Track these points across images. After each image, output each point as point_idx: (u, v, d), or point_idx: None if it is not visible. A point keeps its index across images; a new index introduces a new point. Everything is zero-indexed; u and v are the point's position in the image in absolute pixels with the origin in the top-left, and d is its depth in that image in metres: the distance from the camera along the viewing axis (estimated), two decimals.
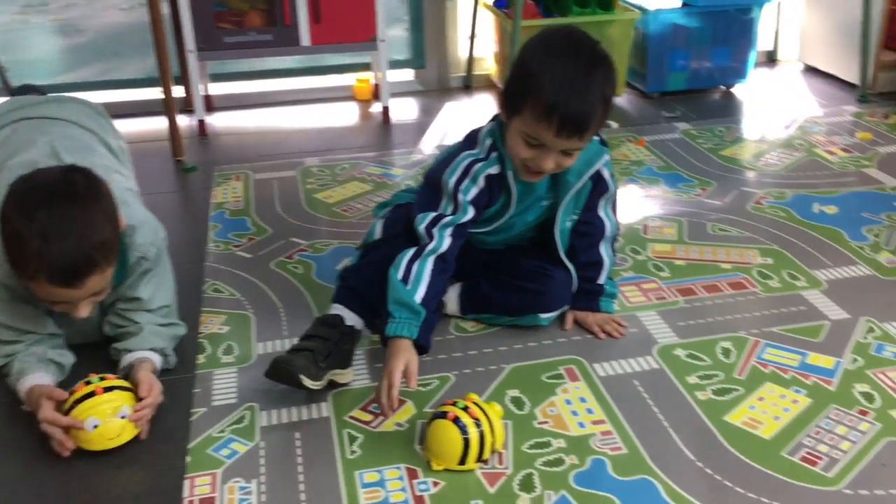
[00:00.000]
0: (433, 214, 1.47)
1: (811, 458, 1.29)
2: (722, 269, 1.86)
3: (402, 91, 3.08)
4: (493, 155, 1.49)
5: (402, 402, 1.40)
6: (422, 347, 1.40)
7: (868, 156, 2.44)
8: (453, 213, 1.48)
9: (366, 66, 3.07)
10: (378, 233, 1.64)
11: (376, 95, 2.96)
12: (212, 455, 1.32)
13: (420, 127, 2.79)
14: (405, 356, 1.35)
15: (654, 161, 2.45)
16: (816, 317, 1.67)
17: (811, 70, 3.22)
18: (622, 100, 2.98)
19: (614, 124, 2.74)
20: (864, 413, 1.39)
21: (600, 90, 1.36)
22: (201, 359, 1.56)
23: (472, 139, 1.53)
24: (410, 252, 1.44)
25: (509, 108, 1.41)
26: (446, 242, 1.46)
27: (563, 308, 1.63)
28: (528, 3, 2.77)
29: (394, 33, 3.15)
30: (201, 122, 2.70)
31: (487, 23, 3.02)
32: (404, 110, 2.94)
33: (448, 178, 1.48)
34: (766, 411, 1.40)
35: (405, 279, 1.41)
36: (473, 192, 1.48)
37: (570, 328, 1.64)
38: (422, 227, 1.46)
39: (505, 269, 1.62)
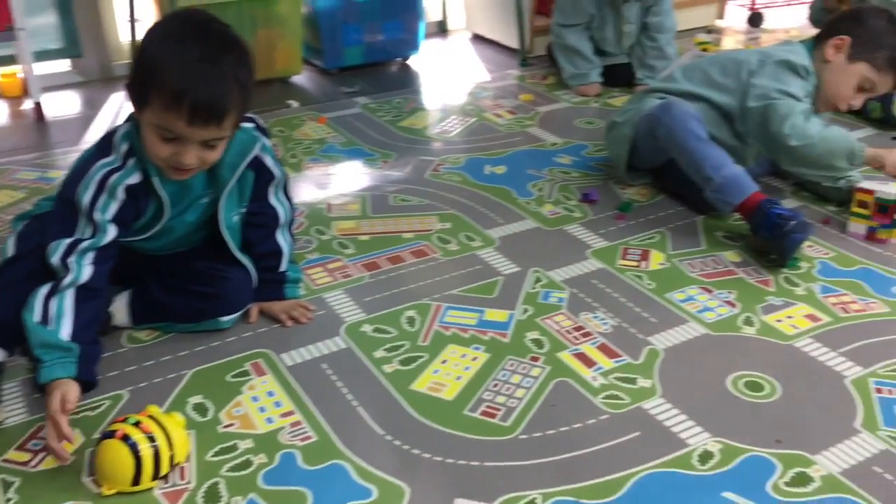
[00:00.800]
0: (67, 241, 1.32)
1: (491, 410, 1.36)
2: (404, 239, 1.89)
3: (58, 84, 2.79)
4: (131, 162, 1.36)
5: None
6: (87, 383, 1.27)
7: (530, 116, 2.62)
8: (92, 237, 1.33)
9: (11, 60, 2.73)
10: (11, 249, 1.45)
11: (27, 91, 2.64)
12: None
13: (83, 122, 2.54)
14: (60, 390, 1.21)
15: (337, 138, 2.45)
16: (491, 274, 1.76)
17: (478, 38, 3.40)
18: (302, 78, 2.94)
19: (295, 103, 2.70)
20: (535, 359, 1.48)
21: (232, 73, 1.28)
22: None
23: (106, 144, 1.37)
24: (44, 289, 1.29)
25: (137, 100, 1.29)
26: (87, 272, 1.32)
27: (245, 307, 1.56)
28: None
29: (42, 21, 2.84)
30: None
31: (147, 2, 2.81)
32: (62, 105, 2.66)
33: (81, 196, 1.33)
34: (449, 373, 1.45)
35: (44, 320, 1.26)
36: (113, 208, 1.35)
37: (256, 320, 1.58)
38: (55, 259, 1.31)
39: (177, 273, 1.52)
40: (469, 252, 1.84)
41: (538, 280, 1.73)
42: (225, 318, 1.52)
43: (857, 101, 1.91)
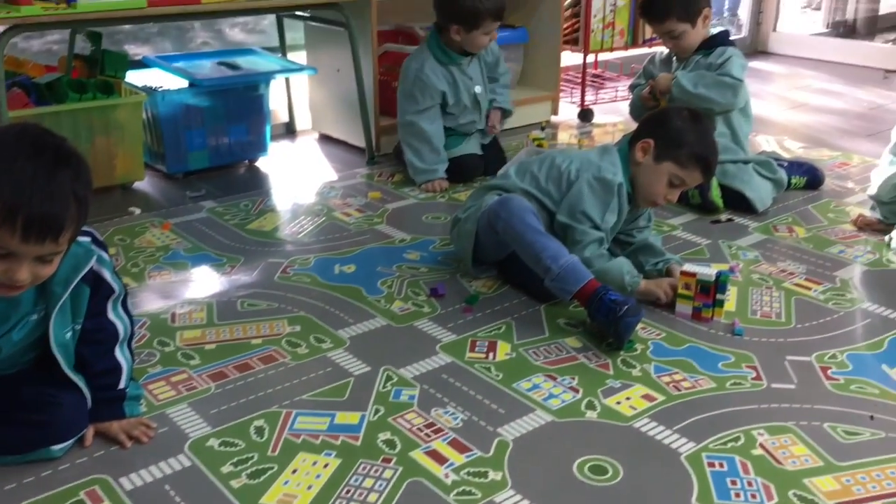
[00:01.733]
0: None
1: None
2: (253, 345, 1.86)
3: None
4: None
5: None
6: None
7: (379, 213, 2.67)
8: None
9: None
10: None
11: None
12: None
13: None
14: None
15: (182, 244, 2.40)
16: (342, 376, 1.75)
17: (326, 138, 3.46)
18: (144, 184, 2.88)
19: (137, 210, 2.63)
20: (387, 460, 1.48)
21: (69, 187, 1.25)
22: None
23: None
24: None
25: None
26: None
27: (80, 433, 1.48)
28: (17, 93, 2.54)
29: None
30: None
31: None
32: None
33: None
34: (300, 483, 1.42)
35: None
36: None
37: (90, 444, 1.49)
38: None
39: (3, 400, 1.42)
40: (319, 354, 1.83)
41: (389, 378, 1.74)
42: (57, 447, 1.43)
43: (673, 196, 2.07)
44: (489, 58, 3.03)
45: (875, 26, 5.76)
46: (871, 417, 1.61)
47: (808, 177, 2.86)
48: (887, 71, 4.74)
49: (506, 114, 3.11)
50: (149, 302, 2.06)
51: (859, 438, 1.56)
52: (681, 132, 2.03)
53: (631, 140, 2.10)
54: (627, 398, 1.68)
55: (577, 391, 1.70)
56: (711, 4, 2.76)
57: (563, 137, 3.56)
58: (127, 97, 2.75)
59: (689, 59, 2.75)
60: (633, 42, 3.88)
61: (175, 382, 1.71)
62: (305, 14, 3.21)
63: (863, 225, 2.51)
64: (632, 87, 3.01)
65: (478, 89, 2.97)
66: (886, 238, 2.40)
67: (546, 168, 2.13)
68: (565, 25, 3.72)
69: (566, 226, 2.04)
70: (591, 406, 1.65)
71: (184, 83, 2.90)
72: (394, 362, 1.80)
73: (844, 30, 5.70)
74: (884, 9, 5.78)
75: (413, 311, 2.03)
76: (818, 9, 5.87)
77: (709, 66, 2.68)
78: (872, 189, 2.46)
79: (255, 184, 2.95)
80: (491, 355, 1.84)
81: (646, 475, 1.46)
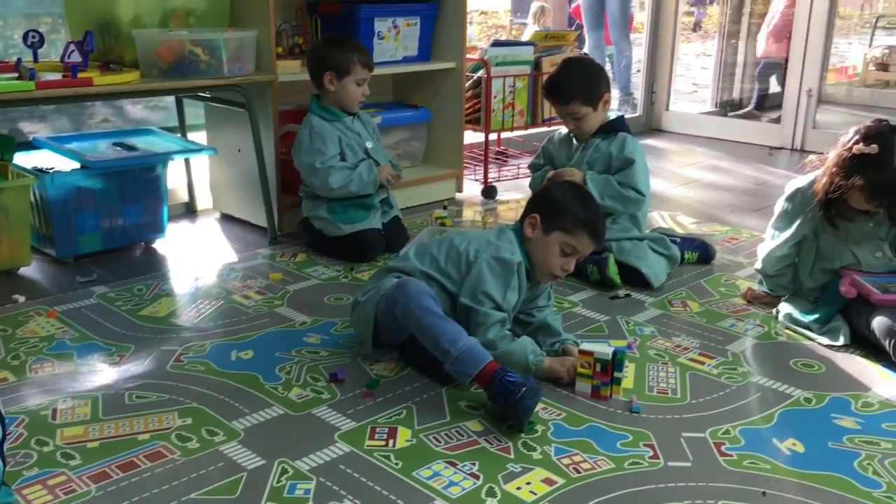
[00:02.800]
0: None
1: None
2: (140, 441, 1.77)
3: None
4: None
5: None
6: None
7: (279, 295, 2.62)
8: None
9: None
10: None
11: None
12: None
13: None
14: None
15: (67, 333, 2.29)
16: (234, 471, 1.68)
17: (227, 218, 3.41)
18: (31, 269, 2.76)
19: (21, 298, 2.51)
20: None
21: None
22: None
23: None
24: None
25: None
26: None
27: None
28: None
29: None
30: None
31: None
32: None
33: None
34: None
35: None
36: None
37: None
38: None
39: None
40: (211, 448, 1.76)
41: (284, 472, 1.68)
42: None
43: (569, 265, 2.11)
44: (373, 122, 3.16)
45: (762, 105, 6.13)
46: (763, 493, 1.64)
47: (700, 252, 2.96)
48: (772, 148, 5.02)
49: (396, 167, 3.15)
50: (29, 397, 1.94)
51: None
52: (562, 202, 2.09)
53: (521, 218, 2.15)
54: (528, 483, 1.66)
55: (477, 477, 1.68)
56: (610, 90, 2.89)
57: (468, 214, 3.60)
58: (13, 180, 2.65)
59: (589, 142, 2.85)
60: (533, 121, 4.01)
61: (52, 486, 1.60)
62: (206, 94, 3.19)
63: (752, 298, 2.61)
64: (532, 166, 3.08)
65: (369, 144, 3.05)
66: (774, 311, 2.50)
67: (445, 249, 2.14)
68: (467, 105, 3.81)
69: (468, 308, 2.04)
70: (491, 493, 1.63)
71: (76, 164, 2.82)
72: (290, 454, 1.74)
73: (731, 109, 6.03)
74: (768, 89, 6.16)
75: (312, 397, 1.98)
76: (706, 87, 6.21)
77: (609, 155, 2.79)
78: (758, 263, 2.57)
79: (151, 266, 2.86)
80: (391, 442, 1.80)
81: None
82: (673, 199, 3.88)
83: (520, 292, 2.09)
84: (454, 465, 1.72)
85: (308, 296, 2.63)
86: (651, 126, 5.57)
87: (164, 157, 2.98)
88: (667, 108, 5.56)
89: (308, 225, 3.02)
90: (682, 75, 6.70)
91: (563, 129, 2.99)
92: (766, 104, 5.95)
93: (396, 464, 1.72)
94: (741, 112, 5.88)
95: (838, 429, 1.89)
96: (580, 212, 2.08)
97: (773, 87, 5.93)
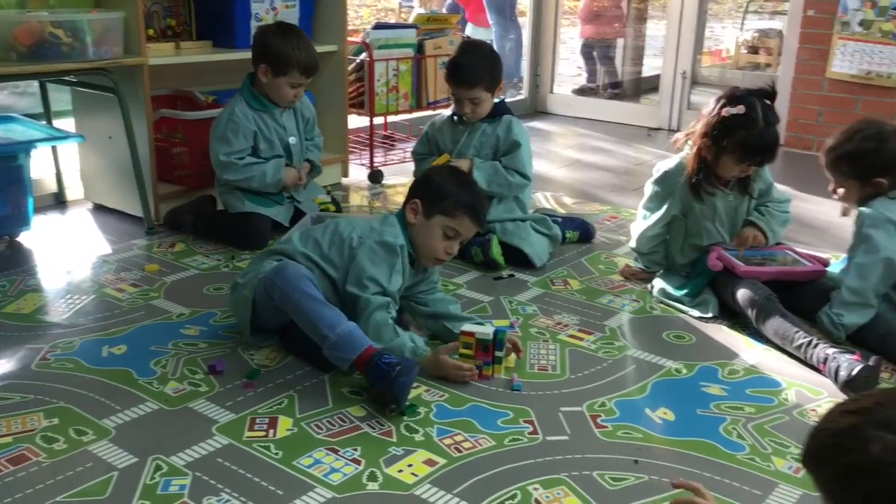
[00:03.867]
0: None
1: None
2: (2, 445, 1.68)
3: None
4: None
5: None
6: None
7: (156, 287, 2.53)
8: None
9: None
10: None
11: None
12: None
13: None
14: None
15: None
16: (104, 470, 1.61)
17: (100, 208, 3.25)
18: None
19: None
20: None
21: None
22: None
23: None
24: None
25: None
26: None
27: None
28: None
29: None
30: None
31: None
32: None
33: None
34: None
35: None
36: None
37: None
38: None
39: None
40: (80, 449, 1.68)
41: (158, 468, 1.62)
42: None
43: (452, 248, 2.12)
44: (307, 113, 3.07)
45: (639, 88, 6.32)
46: (636, 462, 1.70)
47: (581, 231, 3.04)
48: (650, 129, 5.19)
49: (315, 169, 3.11)
50: None
51: (625, 484, 1.63)
52: (442, 186, 2.11)
53: (403, 205, 2.14)
54: (409, 465, 1.67)
55: (359, 463, 1.67)
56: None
57: (355, 199, 3.57)
58: None
59: (476, 126, 2.87)
60: (418, 105, 3.99)
61: None
62: (71, 79, 3.03)
63: (629, 275, 2.69)
64: (415, 154, 3.08)
65: (292, 140, 2.98)
66: (649, 286, 2.59)
67: (329, 235, 2.11)
68: (350, 89, 3.77)
69: (354, 295, 2.02)
70: (372, 477, 1.62)
71: None
72: (164, 450, 1.69)
73: (613, 91, 6.20)
74: (646, 71, 6.35)
75: (189, 391, 1.92)
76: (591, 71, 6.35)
77: (496, 138, 2.84)
78: (632, 242, 2.65)
79: (16, 262, 2.70)
80: (272, 432, 1.77)
81: None
82: (556, 181, 3.96)
83: (403, 276, 2.09)
84: (336, 451, 1.71)
85: (186, 286, 2.55)
86: (536, 109, 5.66)
87: (27, 146, 2.82)
88: (551, 91, 5.66)
89: (198, 205, 2.97)
90: (566, 59, 6.82)
91: (446, 113, 3.00)
92: (644, 86, 6.17)
93: (276, 454, 1.69)
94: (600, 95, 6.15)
95: (706, 396, 1.98)
96: (460, 195, 2.09)
97: (651, 68, 6.13)
